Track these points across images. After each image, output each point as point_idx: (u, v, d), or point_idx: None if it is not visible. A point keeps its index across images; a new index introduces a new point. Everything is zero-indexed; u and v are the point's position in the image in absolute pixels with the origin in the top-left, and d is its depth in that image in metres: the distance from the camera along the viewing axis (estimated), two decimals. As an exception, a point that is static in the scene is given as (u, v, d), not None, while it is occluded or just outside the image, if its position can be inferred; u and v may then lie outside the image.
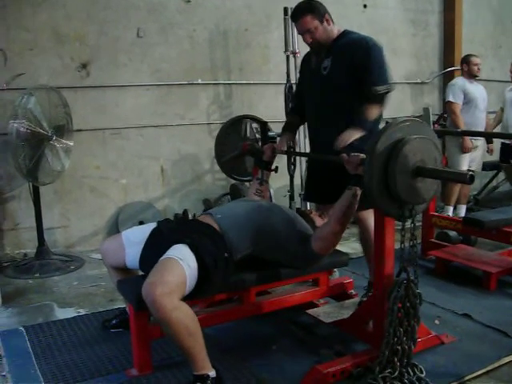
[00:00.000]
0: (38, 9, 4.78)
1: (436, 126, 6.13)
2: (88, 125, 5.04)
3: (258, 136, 4.91)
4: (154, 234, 2.86)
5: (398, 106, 6.72)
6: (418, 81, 7.02)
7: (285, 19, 5.04)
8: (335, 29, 3.25)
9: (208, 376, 2.38)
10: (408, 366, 2.55)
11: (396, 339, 2.50)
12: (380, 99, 3.12)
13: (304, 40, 3.28)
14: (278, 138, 3.82)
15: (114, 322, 3.23)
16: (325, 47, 3.24)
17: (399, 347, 2.51)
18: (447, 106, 5.73)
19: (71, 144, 4.60)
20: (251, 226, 2.80)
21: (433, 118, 5.92)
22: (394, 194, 2.39)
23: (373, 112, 3.09)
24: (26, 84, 4.61)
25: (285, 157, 5.12)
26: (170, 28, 5.38)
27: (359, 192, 2.64)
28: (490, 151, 6.07)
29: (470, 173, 2.31)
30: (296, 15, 3.24)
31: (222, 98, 5.72)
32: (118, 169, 5.29)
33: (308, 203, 4.87)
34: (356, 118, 3.06)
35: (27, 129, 4.26)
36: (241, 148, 4.26)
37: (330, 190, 3.03)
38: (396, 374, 2.50)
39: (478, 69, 5.67)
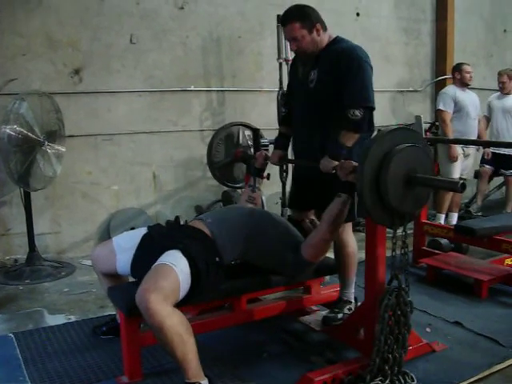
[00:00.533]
0: (31, 14, 4.77)
1: (428, 134, 6.17)
2: (80, 131, 5.03)
3: (250, 143, 4.93)
4: (145, 239, 2.86)
5: (390, 113, 6.76)
6: (411, 89, 7.05)
7: (278, 26, 5.04)
8: (327, 36, 3.08)
9: (200, 385, 2.37)
10: (399, 374, 2.55)
11: (387, 347, 2.50)
12: (354, 126, 2.88)
13: (290, 46, 3.18)
14: (271, 146, 3.80)
15: (104, 328, 3.22)
16: (311, 56, 3.09)
17: (390, 355, 2.51)
18: (437, 114, 5.77)
19: (63, 150, 4.59)
20: (242, 232, 2.80)
21: (425, 127, 5.96)
22: (386, 202, 2.39)
23: (348, 139, 2.88)
24: (18, 89, 4.59)
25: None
26: (163, 34, 5.38)
27: (349, 199, 2.65)
28: (486, 155, 6.13)
29: (462, 181, 2.32)
30: (285, 20, 3.07)
31: (214, 105, 5.73)
32: (109, 175, 5.27)
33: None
34: (331, 145, 2.90)
35: (19, 134, 4.24)
36: (233, 155, 4.28)
37: (312, 197, 3.03)
38: (387, 382, 2.50)
39: (471, 77, 5.72)
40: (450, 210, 5.79)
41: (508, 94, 6.18)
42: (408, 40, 7.02)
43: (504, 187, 6.56)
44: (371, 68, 2.98)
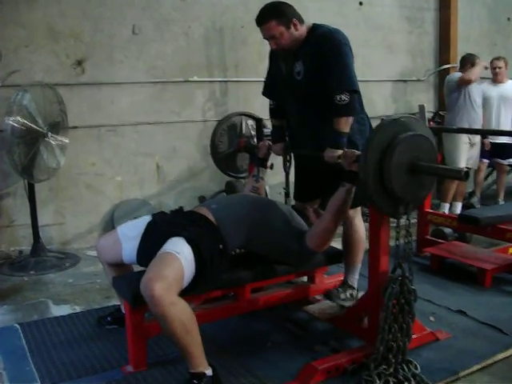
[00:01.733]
0: (34, 5, 4.76)
1: (431, 123, 6.15)
2: (83, 122, 5.03)
3: (253, 133, 4.91)
4: (149, 226, 2.87)
5: (394, 103, 6.73)
6: (414, 78, 7.02)
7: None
8: (304, 28, 3.03)
9: (204, 374, 2.37)
10: (403, 363, 2.56)
11: (391, 336, 2.51)
12: (344, 110, 2.87)
13: (270, 45, 3.11)
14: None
15: (108, 319, 3.24)
16: (292, 51, 3.05)
17: (394, 343, 2.52)
18: (459, 81, 5.56)
19: (66, 141, 4.60)
20: (247, 220, 2.81)
21: (428, 116, 5.94)
22: (390, 191, 2.39)
23: (344, 124, 2.87)
24: (21, 81, 4.59)
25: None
26: (165, 25, 5.36)
27: (353, 189, 2.65)
28: (486, 146, 6.07)
29: (466, 169, 2.32)
30: (260, 20, 3.03)
31: (217, 96, 5.72)
32: (113, 166, 5.28)
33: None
34: (331, 136, 2.89)
35: (22, 125, 4.25)
36: (236, 145, 4.27)
37: (315, 187, 3.03)
38: (391, 370, 2.51)
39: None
40: (454, 199, 5.77)
41: (501, 82, 6.11)
42: (411, 29, 6.98)
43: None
44: (351, 50, 2.97)
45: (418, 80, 7.07)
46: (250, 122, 4.95)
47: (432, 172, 2.47)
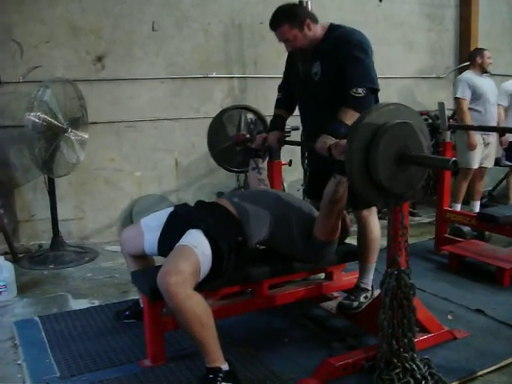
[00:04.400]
0: (54, 2, 4.80)
1: (451, 120, 6.08)
2: (103, 117, 5.07)
3: (252, 127, 4.75)
4: (171, 217, 2.90)
5: (413, 100, 6.68)
6: (434, 76, 6.97)
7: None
8: (319, 28, 3.02)
9: (220, 369, 2.38)
10: (417, 360, 2.50)
11: (392, 331, 2.44)
12: (355, 103, 2.82)
13: (285, 47, 3.12)
14: (293, 132, 3.78)
15: (127, 313, 3.27)
16: (309, 51, 3.04)
17: (395, 340, 2.45)
18: (455, 102, 5.60)
19: (86, 136, 4.63)
20: (268, 215, 2.82)
21: (448, 113, 5.88)
22: (377, 182, 2.27)
23: (349, 116, 2.79)
24: (41, 77, 4.64)
25: (298, 150, 5.13)
26: (184, 21, 5.38)
27: (344, 180, 2.55)
28: (504, 143, 5.96)
29: (453, 159, 2.16)
30: (273, 24, 3.02)
31: (236, 92, 5.72)
32: (132, 161, 5.31)
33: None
34: (331, 122, 2.84)
35: (43, 121, 4.29)
36: (235, 139, 4.16)
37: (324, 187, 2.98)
38: (399, 369, 2.44)
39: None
40: (472, 198, 5.71)
41: None
42: (431, 26, 6.92)
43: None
44: (372, 51, 2.95)
45: (438, 77, 7.02)
46: (250, 116, 4.78)
47: (419, 162, 2.33)
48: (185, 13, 5.37)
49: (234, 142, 4.08)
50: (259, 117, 4.37)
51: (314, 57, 3.03)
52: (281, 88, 3.48)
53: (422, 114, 6.37)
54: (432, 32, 6.95)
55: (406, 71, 6.63)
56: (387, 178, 2.25)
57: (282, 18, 2.99)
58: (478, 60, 5.55)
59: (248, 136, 4.00)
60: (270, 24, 3.05)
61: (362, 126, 2.25)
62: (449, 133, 4.63)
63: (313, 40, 3.01)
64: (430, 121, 6.10)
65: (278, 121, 3.45)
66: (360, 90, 2.81)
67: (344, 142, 2.50)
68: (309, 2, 4.92)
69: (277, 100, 3.47)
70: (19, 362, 2.83)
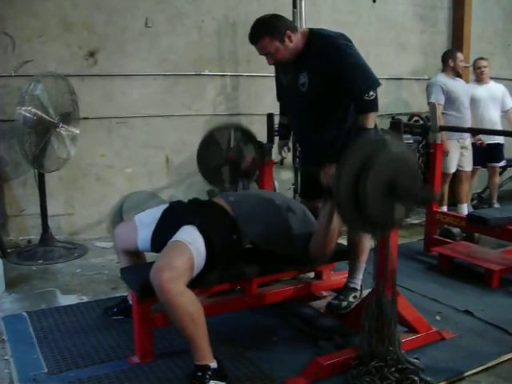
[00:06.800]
0: (47, -4, 4.79)
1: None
2: (94, 113, 5.05)
3: (242, 146, 4.64)
4: (165, 213, 2.90)
5: (405, 101, 6.71)
6: (426, 77, 6.98)
7: (293, 12, 5.02)
8: (299, 36, 2.95)
9: (209, 367, 2.38)
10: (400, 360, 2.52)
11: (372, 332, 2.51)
12: (373, 105, 2.88)
13: (267, 61, 3.03)
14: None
15: (115, 309, 3.26)
16: (291, 62, 2.99)
17: (375, 341, 2.51)
18: (429, 107, 5.31)
19: (77, 132, 4.61)
20: (262, 216, 2.82)
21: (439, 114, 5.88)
22: (365, 216, 2.20)
23: (370, 120, 2.88)
24: (33, 71, 4.61)
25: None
26: (178, 18, 5.37)
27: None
28: (479, 143, 5.84)
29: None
30: (253, 38, 2.93)
31: (228, 90, 5.72)
32: (123, 158, 5.30)
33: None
34: (358, 135, 2.84)
35: (34, 115, 4.27)
36: (225, 158, 4.07)
37: (318, 188, 2.98)
38: (387, 368, 2.47)
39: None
40: (459, 201, 5.71)
41: (486, 82, 5.88)
42: (424, 27, 6.94)
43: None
44: (352, 43, 2.93)
45: (430, 79, 7.02)
46: (239, 135, 4.64)
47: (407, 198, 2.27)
48: (179, 9, 5.36)
49: (223, 161, 4.01)
50: (249, 136, 4.27)
51: (299, 67, 2.99)
52: (278, 96, 3.48)
53: (413, 115, 6.42)
54: (425, 34, 6.97)
55: (398, 72, 6.64)
56: (377, 212, 2.20)
57: (261, 30, 2.91)
58: (450, 63, 5.50)
59: (237, 155, 3.93)
60: (249, 38, 2.96)
61: (347, 164, 2.18)
62: (439, 134, 4.62)
63: (294, 52, 2.95)
64: (421, 122, 6.11)
65: (281, 130, 3.53)
66: (372, 92, 2.85)
67: (333, 168, 2.45)
68: (303, 3, 4.94)
69: (280, 106, 3.51)
70: (7, 358, 2.81)
